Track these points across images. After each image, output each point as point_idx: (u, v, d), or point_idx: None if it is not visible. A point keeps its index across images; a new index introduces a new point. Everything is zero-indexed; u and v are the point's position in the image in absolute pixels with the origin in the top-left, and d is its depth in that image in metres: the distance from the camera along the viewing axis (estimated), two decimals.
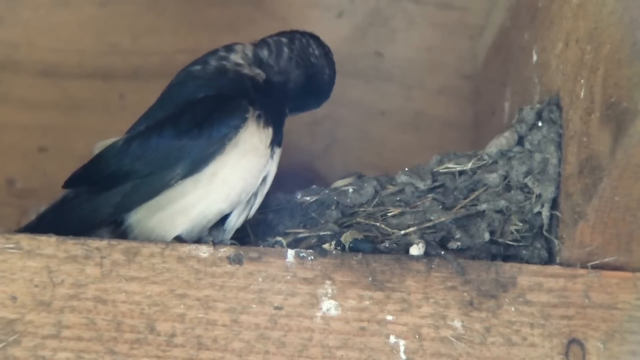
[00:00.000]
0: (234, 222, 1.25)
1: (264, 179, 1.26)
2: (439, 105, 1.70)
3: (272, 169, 1.26)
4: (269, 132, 1.24)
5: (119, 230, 1.22)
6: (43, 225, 1.22)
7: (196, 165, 1.20)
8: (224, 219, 1.25)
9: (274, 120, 1.26)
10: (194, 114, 1.23)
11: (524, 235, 1.22)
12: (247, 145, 1.22)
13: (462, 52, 1.69)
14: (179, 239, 1.19)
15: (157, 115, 1.25)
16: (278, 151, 1.27)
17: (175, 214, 1.20)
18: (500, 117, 1.51)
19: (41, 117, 1.65)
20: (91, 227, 1.21)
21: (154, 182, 1.20)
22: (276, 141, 1.26)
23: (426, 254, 1.19)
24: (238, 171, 1.21)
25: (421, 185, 1.27)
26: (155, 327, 1.13)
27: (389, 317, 1.15)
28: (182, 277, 1.14)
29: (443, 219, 1.23)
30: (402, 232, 1.23)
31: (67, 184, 1.25)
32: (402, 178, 1.28)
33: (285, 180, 1.28)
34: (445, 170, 1.27)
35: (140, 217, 1.21)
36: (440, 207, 1.25)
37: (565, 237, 1.17)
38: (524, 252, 1.21)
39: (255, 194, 1.26)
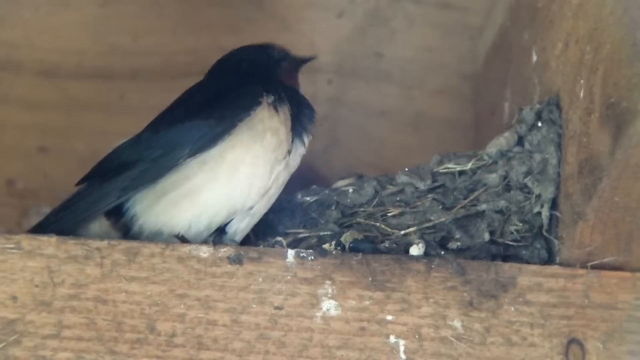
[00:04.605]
0: (236, 226, 1.24)
1: (273, 182, 1.24)
2: (439, 106, 1.70)
3: (282, 175, 1.25)
4: (286, 114, 1.24)
5: (122, 221, 1.22)
6: (52, 220, 1.23)
7: (204, 144, 1.19)
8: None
9: (292, 105, 1.26)
10: (208, 96, 1.24)
11: (523, 235, 1.22)
12: (263, 126, 1.21)
13: (462, 52, 1.69)
14: (181, 239, 1.19)
15: (171, 107, 1.27)
16: (294, 157, 1.26)
17: (179, 199, 1.19)
18: (500, 118, 1.51)
19: (41, 117, 1.65)
20: (97, 213, 1.22)
21: (162, 163, 1.20)
22: (298, 131, 1.26)
23: (426, 254, 1.19)
24: (249, 157, 1.20)
25: (421, 186, 1.27)
26: (155, 327, 1.13)
27: (389, 317, 1.15)
28: (182, 277, 1.14)
29: (443, 219, 1.23)
30: (402, 232, 1.23)
31: (82, 180, 1.26)
32: (402, 178, 1.28)
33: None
34: (445, 170, 1.27)
35: (145, 206, 1.20)
36: (440, 207, 1.25)
37: (565, 237, 1.17)
38: (524, 252, 1.21)
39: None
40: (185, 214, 1.20)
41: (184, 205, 1.19)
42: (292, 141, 1.25)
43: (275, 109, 1.23)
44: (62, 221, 1.21)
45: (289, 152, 1.24)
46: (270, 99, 1.23)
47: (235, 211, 1.22)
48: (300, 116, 1.27)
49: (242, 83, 1.26)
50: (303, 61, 1.35)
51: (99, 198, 1.21)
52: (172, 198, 1.19)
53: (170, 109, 1.27)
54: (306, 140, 1.28)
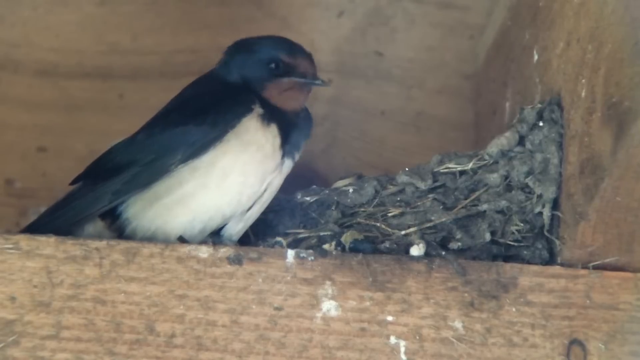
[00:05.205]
0: (230, 230, 1.23)
1: (265, 189, 1.24)
2: (439, 105, 1.70)
3: (276, 181, 1.24)
4: (274, 132, 1.23)
5: (115, 224, 1.21)
6: (46, 221, 1.22)
7: (196, 150, 1.19)
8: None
9: (282, 125, 1.24)
10: (202, 102, 1.23)
11: (525, 235, 1.21)
12: (250, 137, 1.21)
13: (462, 52, 1.69)
14: (181, 239, 1.19)
15: (167, 108, 1.27)
16: (288, 164, 1.25)
17: (173, 204, 1.19)
18: (501, 117, 1.51)
19: (40, 117, 1.65)
20: (90, 216, 1.21)
21: (155, 167, 1.19)
22: (288, 149, 1.25)
23: (427, 254, 1.18)
24: (238, 165, 1.20)
25: (422, 186, 1.26)
26: (154, 328, 1.13)
27: (390, 318, 1.14)
28: (181, 277, 1.14)
29: (444, 219, 1.23)
30: (403, 232, 1.23)
31: (75, 180, 1.26)
32: (402, 178, 1.27)
33: (286, 180, 1.28)
34: (445, 170, 1.27)
35: (138, 210, 1.20)
36: (441, 207, 1.24)
37: (567, 237, 1.17)
38: (525, 252, 1.21)
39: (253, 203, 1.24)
40: (179, 219, 1.19)
41: (178, 211, 1.19)
42: (283, 156, 1.24)
43: (264, 122, 1.22)
44: (57, 222, 1.21)
45: (282, 163, 1.24)
46: (261, 110, 1.22)
47: (229, 217, 1.22)
48: (292, 134, 1.25)
49: (237, 90, 1.25)
50: (307, 84, 1.28)
51: (91, 201, 1.21)
52: (166, 203, 1.19)
53: (165, 111, 1.26)
54: (296, 156, 1.26)
